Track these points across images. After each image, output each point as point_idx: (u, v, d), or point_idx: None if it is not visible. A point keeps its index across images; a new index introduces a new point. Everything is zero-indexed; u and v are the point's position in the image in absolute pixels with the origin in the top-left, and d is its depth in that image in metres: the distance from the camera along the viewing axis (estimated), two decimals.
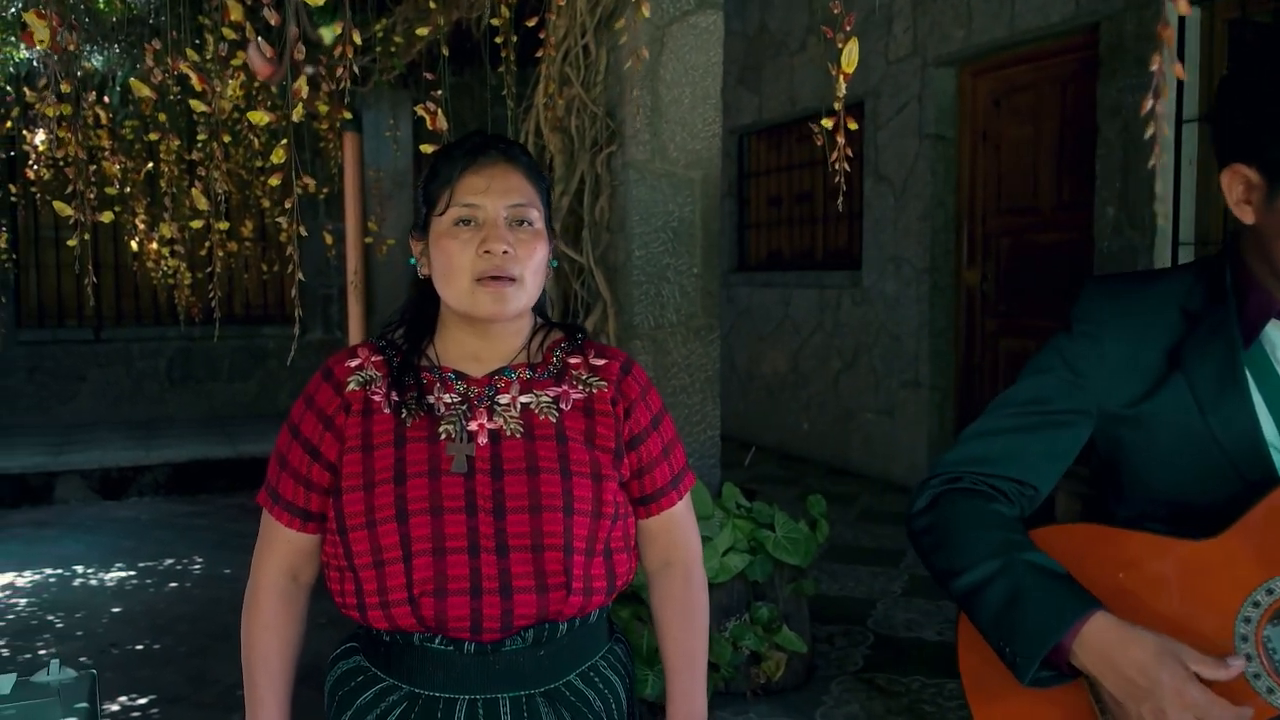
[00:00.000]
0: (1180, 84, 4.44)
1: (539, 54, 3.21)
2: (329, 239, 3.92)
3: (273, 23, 1.61)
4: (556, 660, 1.37)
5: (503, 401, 1.40)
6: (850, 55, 1.58)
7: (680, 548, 1.53)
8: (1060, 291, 5.19)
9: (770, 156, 7.60)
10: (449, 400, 1.40)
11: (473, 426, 1.37)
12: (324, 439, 1.40)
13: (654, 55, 3.26)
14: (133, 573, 5.20)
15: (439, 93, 2.16)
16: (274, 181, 1.49)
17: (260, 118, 1.48)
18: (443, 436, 1.36)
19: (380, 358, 1.44)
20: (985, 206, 5.69)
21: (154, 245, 5.36)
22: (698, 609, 1.53)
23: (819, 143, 2.12)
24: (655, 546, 1.52)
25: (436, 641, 1.33)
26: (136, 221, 4.85)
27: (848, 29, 1.57)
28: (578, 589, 1.34)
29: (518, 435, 1.37)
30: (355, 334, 6.98)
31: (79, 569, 5.29)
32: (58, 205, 2.28)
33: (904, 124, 6.00)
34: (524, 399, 1.40)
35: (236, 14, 2.36)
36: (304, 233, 1.48)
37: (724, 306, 7.52)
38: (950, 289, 5.88)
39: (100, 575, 5.16)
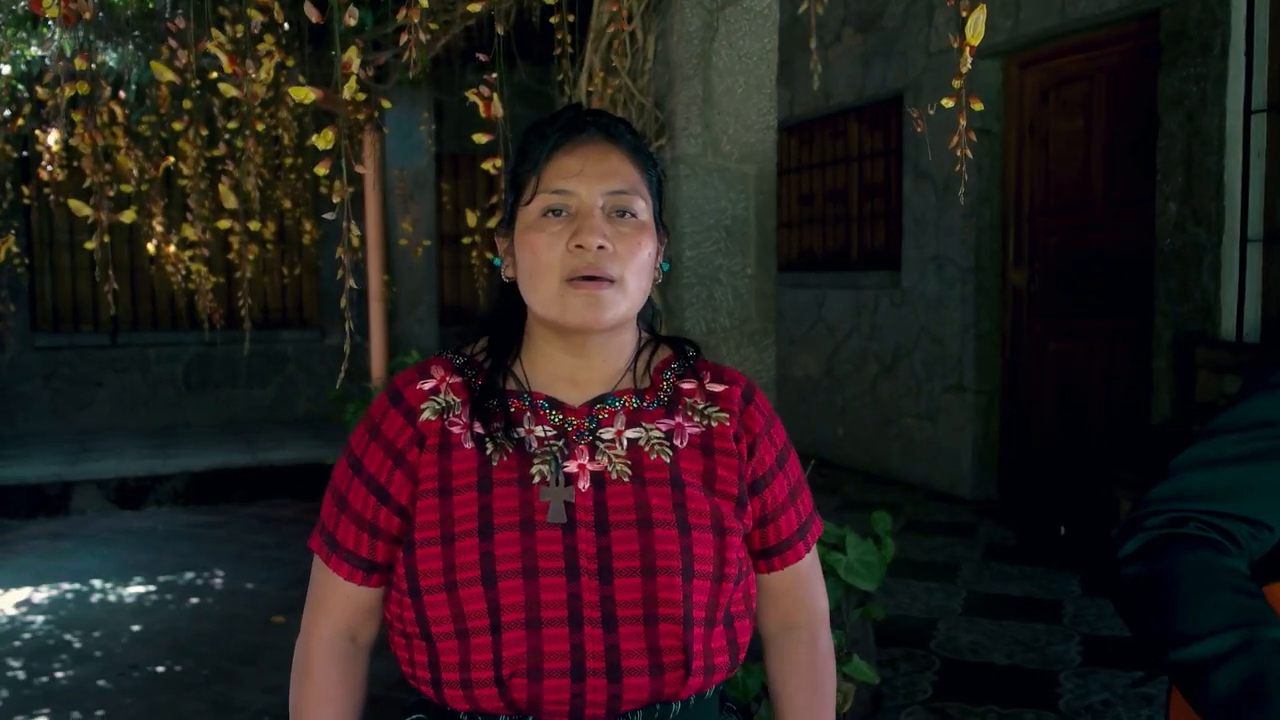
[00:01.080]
0: (1250, 71, 4.21)
1: (557, 51, 3.01)
2: (356, 241, 3.73)
3: (315, 19, 1.40)
4: None
5: (606, 436, 1.17)
6: (977, 25, 1.37)
7: (805, 609, 1.30)
8: (1113, 291, 4.96)
9: (802, 153, 7.38)
10: (542, 434, 1.16)
11: (571, 467, 1.14)
12: (394, 477, 1.17)
13: (705, 42, 3.06)
14: (152, 587, 5.02)
15: (494, 75, 1.96)
16: (321, 170, 1.28)
17: (304, 94, 1.28)
18: (536, 479, 1.13)
19: (459, 379, 1.21)
20: (1033, 204, 5.46)
21: (171, 248, 5.19)
22: (826, 681, 1.29)
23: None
24: (777, 607, 1.29)
25: None
26: (154, 223, 4.66)
27: None
28: (698, 667, 1.11)
29: (625, 479, 1.14)
30: (377, 338, 6.79)
31: (96, 584, 5.11)
32: (74, 204, 2.09)
33: (946, 118, 5.77)
34: (631, 434, 1.17)
35: None
36: (358, 233, 1.28)
37: None
38: (995, 290, 5.65)
39: (119, 590, 4.99)
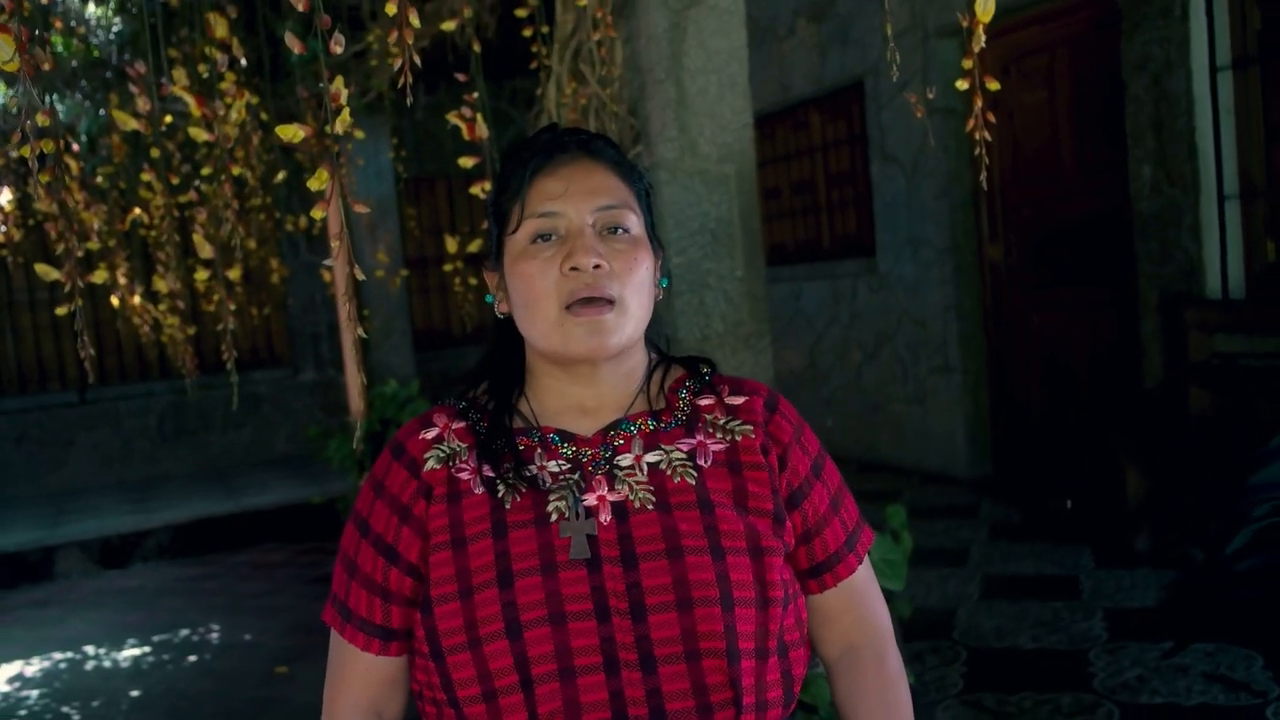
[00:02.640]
0: (1211, 30, 4.21)
1: (533, 65, 2.94)
2: (327, 276, 3.64)
3: (297, 50, 1.33)
4: None
5: (624, 464, 1.10)
6: (987, 2, 1.31)
7: (867, 627, 1.20)
8: (1091, 259, 4.95)
9: (764, 147, 7.33)
10: (555, 469, 1.10)
11: (590, 500, 1.07)
12: (400, 535, 1.10)
13: (675, 44, 2.99)
14: (147, 649, 4.88)
15: (474, 96, 1.88)
16: (319, 213, 1.21)
17: (294, 133, 1.20)
18: (553, 517, 1.06)
19: (463, 423, 1.14)
20: (1004, 178, 5.44)
21: (136, 299, 5.06)
22: (900, 702, 1.18)
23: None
24: (835, 628, 1.20)
25: None
26: (119, 275, 4.54)
27: None
28: (749, 704, 1.03)
29: (649, 506, 1.07)
30: (351, 372, 6.67)
31: (89, 650, 4.96)
32: (41, 269, 1.99)
33: (908, 100, 5.74)
34: (650, 457, 1.11)
35: (221, 30, 2.07)
36: (360, 275, 1.20)
37: None
38: (973, 267, 5.63)
39: (113, 655, 4.85)
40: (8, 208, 4.91)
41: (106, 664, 4.74)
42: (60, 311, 1.80)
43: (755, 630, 1.05)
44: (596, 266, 1.06)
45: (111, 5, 3.93)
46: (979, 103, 1.36)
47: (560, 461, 1.11)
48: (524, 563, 1.04)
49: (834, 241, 6.73)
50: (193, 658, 4.70)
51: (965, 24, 1.36)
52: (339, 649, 1.16)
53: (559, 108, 3.06)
